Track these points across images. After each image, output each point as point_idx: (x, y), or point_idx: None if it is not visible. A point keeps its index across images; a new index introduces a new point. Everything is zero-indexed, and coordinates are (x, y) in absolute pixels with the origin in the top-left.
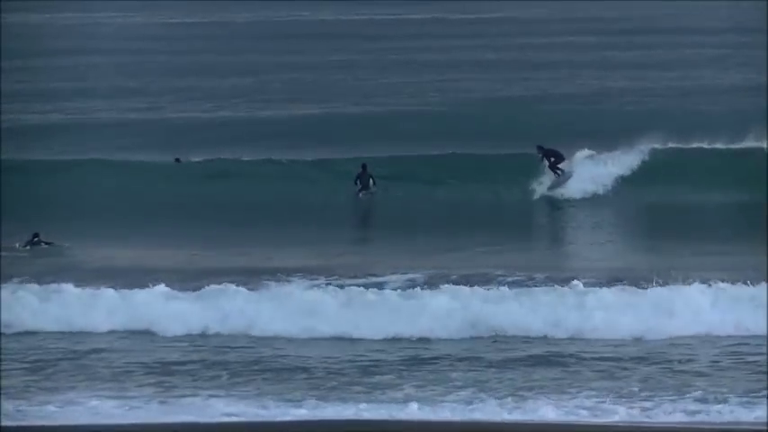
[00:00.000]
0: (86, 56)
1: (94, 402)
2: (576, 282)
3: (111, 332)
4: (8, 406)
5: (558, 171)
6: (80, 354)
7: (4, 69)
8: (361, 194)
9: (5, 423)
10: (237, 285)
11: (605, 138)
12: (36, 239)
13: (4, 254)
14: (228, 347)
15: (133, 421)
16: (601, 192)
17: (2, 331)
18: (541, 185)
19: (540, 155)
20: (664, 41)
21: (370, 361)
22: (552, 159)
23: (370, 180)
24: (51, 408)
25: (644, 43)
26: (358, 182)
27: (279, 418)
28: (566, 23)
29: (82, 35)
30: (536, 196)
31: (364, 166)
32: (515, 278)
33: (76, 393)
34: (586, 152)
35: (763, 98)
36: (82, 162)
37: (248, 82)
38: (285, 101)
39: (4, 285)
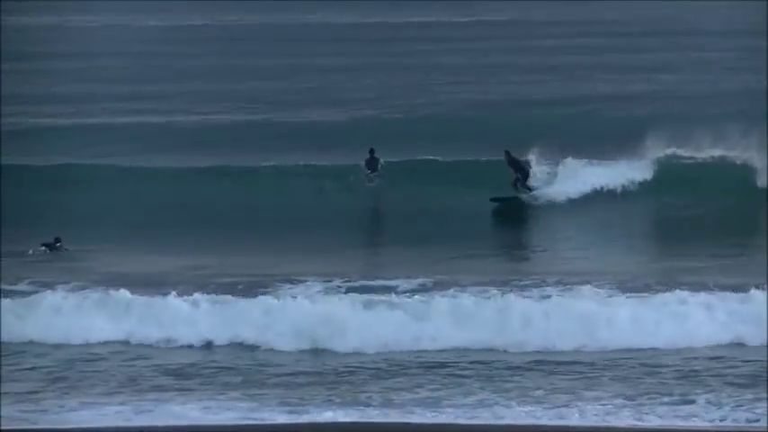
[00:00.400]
0: (94, 59)
1: (96, 406)
2: (584, 289)
3: (120, 337)
4: (8, 409)
5: (526, 188)
6: (84, 358)
7: (11, 72)
8: (369, 177)
9: (5, 426)
10: (249, 291)
11: (605, 143)
12: (58, 244)
13: (18, 258)
14: (235, 354)
15: (136, 424)
16: (597, 198)
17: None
18: (538, 189)
19: (506, 161)
20: (665, 44)
21: (386, 366)
22: (518, 174)
23: (378, 163)
24: (52, 411)
25: (645, 46)
26: (367, 166)
27: (282, 421)
28: (568, 26)
29: (87, 38)
30: (532, 201)
31: (372, 151)
32: (526, 283)
33: (78, 397)
34: (577, 160)
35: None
36: (90, 167)
37: (249, 85)
38: (275, 105)
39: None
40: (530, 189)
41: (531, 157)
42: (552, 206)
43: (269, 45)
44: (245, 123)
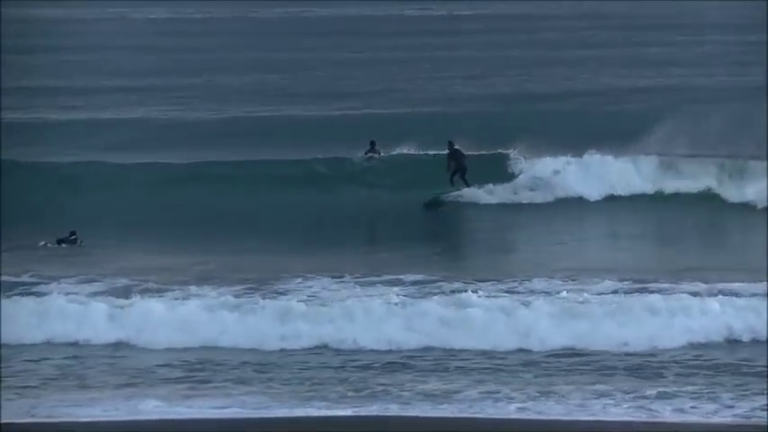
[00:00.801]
0: (98, 52)
1: (98, 400)
2: (585, 288)
3: (123, 334)
4: (9, 404)
5: (463, 182)
6: (88, 354)
7: (10, 66)
8: (367, 158)
9: (5, 420)
10: (257, 290)
11: (601, 139)
12: (73, 237)
13: (33, 251)
14: (242, 350)
15: (135, 417)
16: (591, 196)
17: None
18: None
19: (447, 152)
20: (666, 40)
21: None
22: (454, 165)
23: (377, 152)
24: (52, 405)
25: (646, 41)
26: (366, 153)
27: (285, 414)
28: (575, 20)
29: (90, 31)
30: (458, 199)
31: (373, 143)
32: (528, 280)
33: (79, 393)
34: (572, 156)
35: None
36: (93, 164)
37: (248, 80)
38: (279, 99)
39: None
40: (467, 184)
41: (514, 151)
42: (551, 203)
43: (273, 38)
44: (246, 118)
